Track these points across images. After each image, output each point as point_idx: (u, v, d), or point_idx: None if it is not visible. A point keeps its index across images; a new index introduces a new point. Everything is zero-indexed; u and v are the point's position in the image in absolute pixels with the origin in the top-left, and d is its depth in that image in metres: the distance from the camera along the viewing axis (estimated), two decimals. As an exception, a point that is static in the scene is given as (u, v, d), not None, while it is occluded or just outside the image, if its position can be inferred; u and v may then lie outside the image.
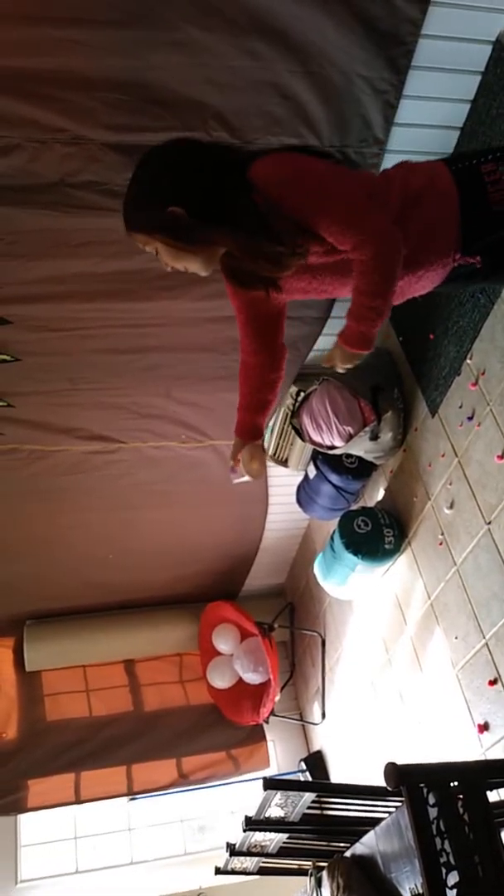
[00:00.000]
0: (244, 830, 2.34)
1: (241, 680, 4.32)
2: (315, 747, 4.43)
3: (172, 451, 3.48)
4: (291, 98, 2.20)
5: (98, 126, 2.11)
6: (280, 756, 4.59)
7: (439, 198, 1.48)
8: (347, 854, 2.21)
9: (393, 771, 1.54)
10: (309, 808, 2.25)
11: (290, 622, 4.69)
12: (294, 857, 2.56)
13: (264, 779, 2.15)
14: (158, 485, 3.67)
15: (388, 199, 1.47)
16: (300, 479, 3.66)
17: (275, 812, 2.26)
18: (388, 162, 2.47)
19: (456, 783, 1.55)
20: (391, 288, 1.41)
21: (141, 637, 4.52)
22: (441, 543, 2.83)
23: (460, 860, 1.41)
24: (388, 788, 1.54)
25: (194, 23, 1.97)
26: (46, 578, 4.15)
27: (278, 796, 2.19)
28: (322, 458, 3.37)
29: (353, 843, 2.18)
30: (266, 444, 3.52)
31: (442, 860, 1.43)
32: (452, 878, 1.41)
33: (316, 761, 4.28)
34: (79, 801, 4.13)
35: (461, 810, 1.49)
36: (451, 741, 2.76)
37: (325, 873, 2.29)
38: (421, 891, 1.50)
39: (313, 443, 3.14)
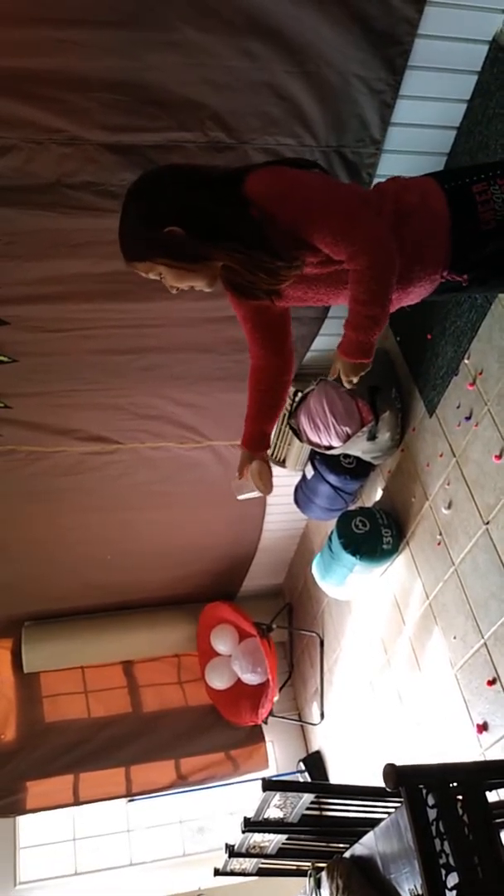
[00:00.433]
0: (243, 831, 2.34)
1: (239, 681, 4.31)
2: (314, 748, 4.42)
3: (171, 451, 3.48)
4: (288, 98, 2.20)
5: (95, 126, 2.11)
6: (279, 757, 4.59)
7: (431, 217, 1.49)
8: (347, 855, 2.21)
9: (392, 772, 1.54)
10: (308, 808, 2.25)
11: (289, 623, 4.69)
12: (293, 858, 2.55)
13: (263, 780, 2.14)
14: (156, 485, 3.66)
15: (382, 211, 1.48)
16: (298, 479, 3.66)
17: (274, 813, 2.26)
18: (385, 162, 2.48)
19: (455, 784, 1.55)
20: (388, 296, 1.42)
21: (139, 638, 4.52)
22: (439, 543, 2.83)
23: (460, 861, 1.41)
24: (388, 789, 1.54)
25: (191, 23, 1.97)
26: (44, 579, 4.14)
27: (277, 797, 2.19)
28: (320, 458, 3.37)
29: (352, 844, 2.18)
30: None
31: (441, 861, 1.44)
32: (452, 880, 1.41)
33: (315, 762, 4.28)
34: (78, 803, 4.13)
35: (460, 811, 1.49)
36: (449, 741, 2.75)
37: (324, 874, 2.29)
38: (420, 892, 1.50)
39: (311, 443, 3.14)
